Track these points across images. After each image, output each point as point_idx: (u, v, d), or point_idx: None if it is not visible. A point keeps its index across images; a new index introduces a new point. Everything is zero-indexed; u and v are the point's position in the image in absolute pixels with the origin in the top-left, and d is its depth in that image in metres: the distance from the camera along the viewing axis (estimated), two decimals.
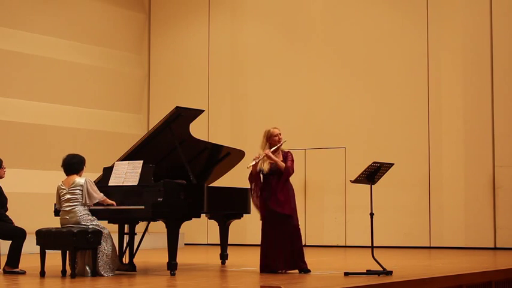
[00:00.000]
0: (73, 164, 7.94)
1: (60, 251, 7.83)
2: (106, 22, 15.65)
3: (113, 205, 7.94)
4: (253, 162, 8.10)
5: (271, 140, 8.13)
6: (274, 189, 8.05)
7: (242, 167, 10.54)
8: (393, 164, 8.10)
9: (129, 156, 8.39)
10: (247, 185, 9.73)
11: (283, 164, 8.06)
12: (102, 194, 7.88)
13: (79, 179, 7.86)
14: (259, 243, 8.11)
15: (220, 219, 9.35)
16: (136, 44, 16.27)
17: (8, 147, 13.08)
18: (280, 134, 8.14)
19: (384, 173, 8.03)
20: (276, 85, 15.10)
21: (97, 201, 7.84)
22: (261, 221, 8.15)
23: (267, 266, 8.03)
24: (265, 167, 8.09)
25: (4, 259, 8.14)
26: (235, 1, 15.69)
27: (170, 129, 8.25)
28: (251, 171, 8.17)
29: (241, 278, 7.92)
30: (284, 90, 15.00)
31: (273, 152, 8.08)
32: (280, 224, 8.00)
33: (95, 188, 7.87)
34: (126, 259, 8.62)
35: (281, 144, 8.12)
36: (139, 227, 9.09)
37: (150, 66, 16.37)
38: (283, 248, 7.95)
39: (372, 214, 7.96)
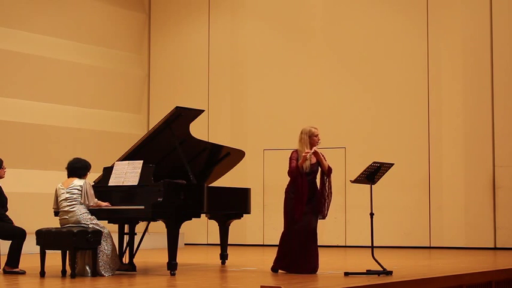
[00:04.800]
0: (76, 169, 7.96)
1: (60, 251, 7.84)
2: (106, 22, 15.65)
3: (107, 206, 7.96)
4: (309, 153, 7.93)
5: (311, 139, 8.07)
6: (311, 189, 8.00)
7: (242, 167, 10.57)
8: (393, 164, 8.10)
9: (129, 156, 8.39)
10: (247, 185, 9.75)
11: (327, 164, 8.06)
12: (96, 200, 7.89)
13: (78, 181, 7.87)
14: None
15: (220, 219, 9.35)
16: (136, 44, 16.26)
17: (8, 147, 13.07)
18: (319, 135, 8.11)
19: (384, 173, 8.03)
20: (276, 85, 15.10)
21: (91, 204, 7.84)
22: (284, 220, 8.09)
23: (284, 267, 8.01)
24: (307, 164, 8.00)
25: (4, 259, 8.14)
26: (236, 1, 15.69)
27: (170, 129, 8.25)
28: (296, 166, 7.95)
29: (241, 278, 7.92)
30: (284, 90, 15.00)
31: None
32: (309, 226, 7.97)
33: (92, 191, 7.88)
34: (126, 259, 8.62)
35: (317, 146, 8.09)
36: (139, 227, 9.09)
37: (150, 66, 16.37)
38: (304, 250, 7.93)
39: (372, 214, 7.96)
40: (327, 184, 8.05)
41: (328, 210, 8.10)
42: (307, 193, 7.94)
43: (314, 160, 8.06)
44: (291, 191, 8.03)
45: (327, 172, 8.06)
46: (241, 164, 9.68)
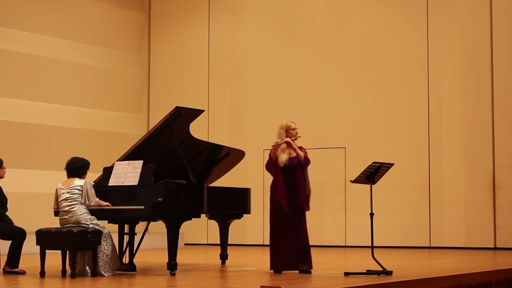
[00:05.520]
0: (75, 168, 7.96)
1: (60, 251, 7.84)
2: (106, 22, 15.66)
3: (107, 206, 7.96)
4: (275, 144, 8.02)
5: (288, 133, 8.13)
6: (292, 182, 8.01)
7: (242, 167, 10.56)
8: (393, 164, 8.10)
9: (129, 156, 8.39)
10: (247, 185, 9.75)
11: (303, 154, 8.06)
12: (97, 199, 7.89)
13: (78, 181, 7.87)
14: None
15: (220, 219, 9.35)
16: (137, 44, 16.27)
17: (8, 147, 13.08)
18: (296, 128, 8.15)
19: (384, 173, 8.03)
20: (276, 85, 15.10)
21: (92, 204, 7.84)
22: (269, 219, 8.13)
23: (280, 265, 8.00)
24: (284, 157, 8.04)
25: (4, 259, 8.14)
26: (236, 1, 15.69)
27: (170, 129, 8.25)
28: (270, 158, 8.08)
29: (241, 278, 7.92)
30: (284, 90, 15.00)
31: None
32: (293, 220, 7.97)
33: (93, 191, 7.88)
34: (126, 259, 8.62)
35: (296, 139, 8.12)
36: (139, 227, 9.09)
37: (150, 66, 16.38)
38: (294, 246, 7.93)
39: (372, 214, 7.96)
40: (305, 175, 8.06)
41: (309, 201, 8.09)
42: (282, 184, 7.94)
43: (294, 154, 8.08)
44: (274, 190, 8.07)
45: (304, 161, 8.07)
46: (241, 164, 9.68)
